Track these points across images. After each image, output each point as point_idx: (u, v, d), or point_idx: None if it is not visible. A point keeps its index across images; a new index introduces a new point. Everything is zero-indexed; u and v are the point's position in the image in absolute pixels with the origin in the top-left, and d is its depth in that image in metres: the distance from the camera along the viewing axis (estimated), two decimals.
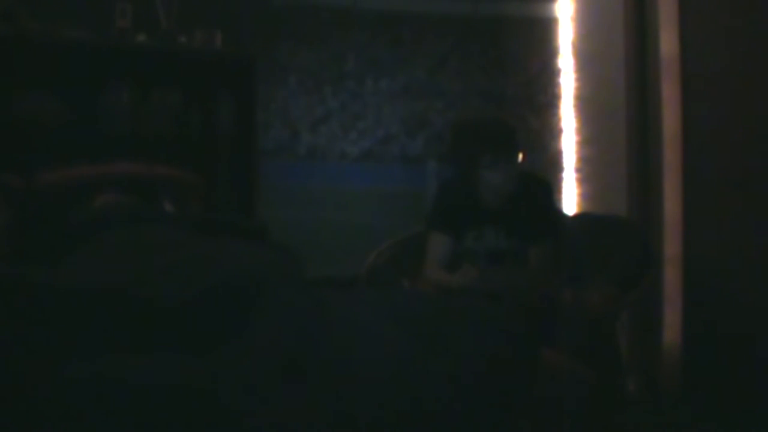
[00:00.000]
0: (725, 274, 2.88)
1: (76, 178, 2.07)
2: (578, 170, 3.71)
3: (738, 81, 2.82)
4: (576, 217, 3.21)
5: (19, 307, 1.21)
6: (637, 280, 2.53)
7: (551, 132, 3.77)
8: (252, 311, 1.29)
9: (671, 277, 3.10)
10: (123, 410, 1.07)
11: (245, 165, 3.20)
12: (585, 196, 3.67)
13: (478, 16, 3.75)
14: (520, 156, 2.47)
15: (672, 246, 3.10)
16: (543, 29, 3.79)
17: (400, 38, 3.68)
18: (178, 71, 3.20)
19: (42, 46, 2.91)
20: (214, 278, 1.33)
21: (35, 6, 2.98)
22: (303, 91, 3.57)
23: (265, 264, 1.47)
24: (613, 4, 3.39)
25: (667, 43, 3.13)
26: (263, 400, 1.13)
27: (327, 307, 1.39)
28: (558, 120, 3.78)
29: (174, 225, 1.74)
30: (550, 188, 2.66)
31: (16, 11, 2.86)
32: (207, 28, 3.15)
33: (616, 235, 2.70)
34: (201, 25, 3.16)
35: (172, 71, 3.19)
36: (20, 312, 1.21)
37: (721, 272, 2.90)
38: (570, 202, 3.70)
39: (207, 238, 1.64)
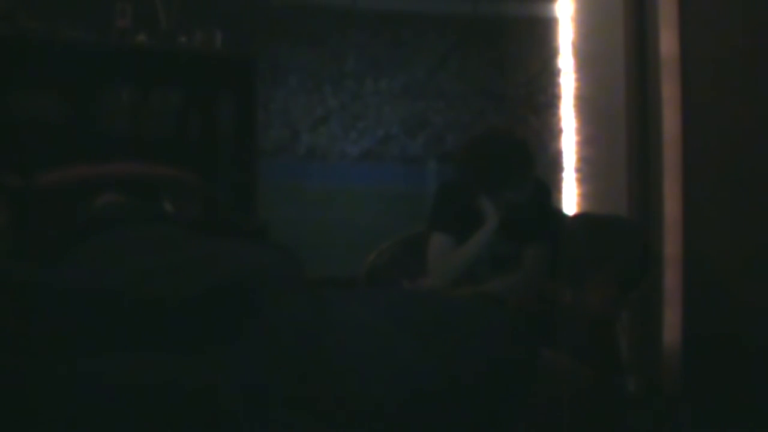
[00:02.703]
0: (725, 274, 2.88)
1: (76, 178, 2.07)
2: (578, 170, 3.71)
3: (738, 81, 2.82)
4: (576, 217, 3.21)
5: (19, 307, 1.21)
6: (637, 280, 2.53)
7: (551, 132, 3.77)
8: (252, 311, 1.29)
9: (671, 277, 3.09)
10: (122, 410, 1.07)
11: (245, 165, 3.20)
12: (585, 196, 3.67)
13: (478, 16, 3.74)
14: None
15: (672, 246, 3.10)
16: (543, 29, 3.79)
17: (400, 38, 3.68)
18: (178, 71, 3.20)
19: (42, 46, 2.91)
20: (214, 278, 1.33)
21: (35, 6, 2.98)
22: (303, 91, 3.57)
23: (265, 264, 1.47)
24: (613, 4, 3.39)
25: (667, 43, 3.13)
26: (263, 400, 1.13)
27: (327, 307, 1.39)
28: (558, 120, 3.78)
29: (174, 225, 1.74)
30: (548, 190, 2.67)
31: (16, 11, 2.86)
32: (207, 28, 3.15)
33: (616, 235, 2.70)
34: (201, 25, 3.16)
35: (172, 71, 3.19)
36: (20, 312, 1.21)
37: (721, 272, 2.90)
38: (570, 202, 3.70)
39: (207, 238, 1.64)
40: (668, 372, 3.10)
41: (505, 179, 2.41)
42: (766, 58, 2.66)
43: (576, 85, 3.74)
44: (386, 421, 1.17)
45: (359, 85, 3.63)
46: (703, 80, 3.01)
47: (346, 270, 2.78)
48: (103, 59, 3.04)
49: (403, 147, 3.68)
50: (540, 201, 2.57)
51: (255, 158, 3.21)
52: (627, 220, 3.17)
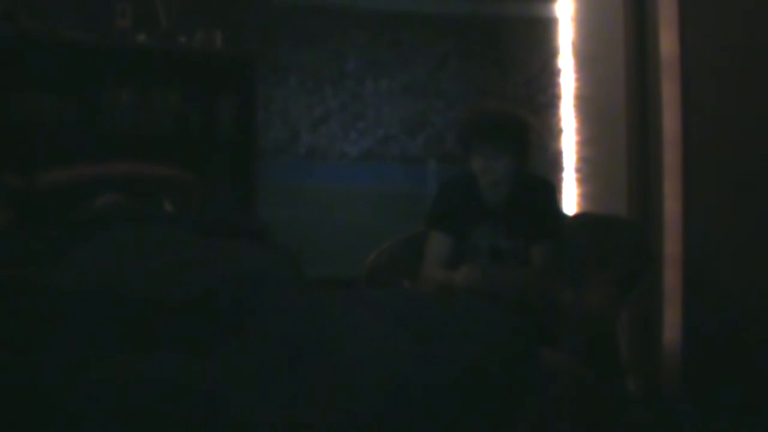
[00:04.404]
0: (725, 274, 2.88)
1: (76, 178, 2.08)
2: (578, 170, 3.71)
3: (738, 81, 2.82)
4: (576, 217, 3.21)
5: (19, 307, 1.21)
6: (637, 280, 2.53)
7: (551, 132, 3.77)
8: (251, 311, 1.29)
9: (671, 277, 3.10)
10: (123, 410, 1.07)
11: (245, 165, 3.20)
12: (585, 196, 3.67)
13: (478, 16, 3.74)
14: (517, 150, 2.47)
15: (672, 246, 3.10)
16: (543, 29, 3.79)
17: (400, 38, 3.68)
18: (178, 71, 3.20)
19: (42, 46, 2.91)
20: (213, 278, 1.33)
21: (35, 6, 2.98)
22: (303, 91, 3.57)
23: (264, 264, 1.47)
24: (613, 4, 3.39)
25: (667, 43, 3.13)
26: (262, 399, 1.13)
27: (326, 307, 1.40)
28: (558, 120, 3.78)
29: (174, 225, 1.74)
30: (552, 188, 2.66)
31: (16, 11, 2.86)
32: (207, 28, 3.15)
33: (616, 235, 2.70)
34: (201, 25, 3.16)
35: (172, 71, 3.19)
36: (20, 312, 1.21)
37: (721, 272, 2.90)
38: (570, 202, 3.70)
39: (207, 238, 1.64)
40: (668, 372, 3.10)
41: (477, 136, 2.44)
42: (766, 58, 2.66)
43: (576, 85, 3.74)
44: (386, 420, 1.17)
45: (359, 85, 3.63)
46: (703, 80, 3.01)
47: (346, 270, 2.78)
48: (103, 59, 3.04)
49: (403, 147, 3.68)
50: (543, 198, 2.57)
51: (255, 158, 3.21)
52: (627, 220, 3.17)
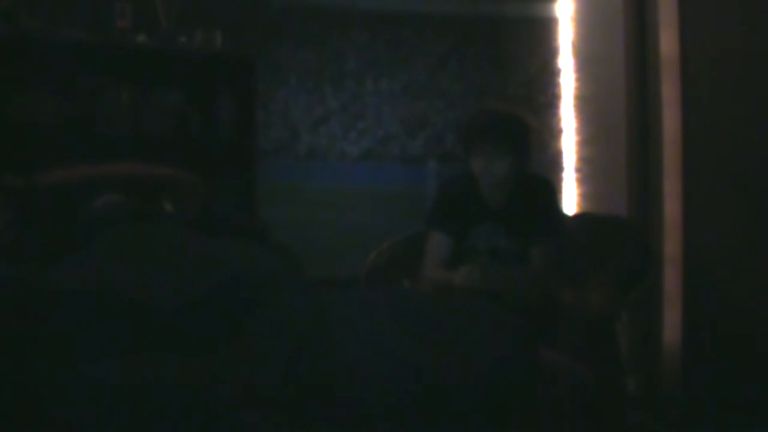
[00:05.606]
0: (725, 274, 2.88)
1: (76, 178, 2.07)
2: (578, 170, 3.71)
3: (738, 81, 2.82)
4: (576, 217, 3.21)
5: (18, 307, 1.21)
6: (637, 280, 2.53)
7: (551, 132, 3.77)
8: (251, 312, 1.29)
9: (671, 277, 3.10)
10: (122, 411, 1.07)
11: (245, 165, 3.20)
12: (585, 196, 3.67)
13: (478, 16, 3.74)
14: (518, 151, 2.47)
15: (672, 246, 3.10)
16: (543, 29, 3.79)
17: (400, 38, 3.68)
18: (178, 71, 3.20)
19: (42, 46, 2.91)
20: (214, 279, 1.33)
21: (35, 6, 2.98)
22: (303, 91, 3.57)
23: (264, 264, 1.47)
24: (613, 4, 3.39)
25: (667, 43, 3.13)
26: (262, 400, 1.13)
27: (326, 308, 1.39)
28: (558, 120, 3.78)
29: (174, 225, 1.74)
30: (552, 188, 2.67)
31: (16, 11, 2.86)
32: (207, 28, 3.15)
33: (616, 235, 2.70)
34: (201, 25, 3.16)
35: (172, 71, 3.19)
36: (19, 313, 1.21)
37: (721, 272, 2.90)
38: (570, 202, 3.70)
39: (207, 238, 1.63)
40: (668, 372, 3.10)
41: (477, 137, 2.45)
42: (766, 58, 2.66)
43: (576, 85, 3.74)
44: (385, 421, 1.17)
45: (359, 85, 3.63)
46: (703, 80, 3.02)
47: (346, 270, 2.78)
48: (103, 59, 3.04)
49: (403, 147, 3.68)
50: (543, 198, 2.57)
51: (255, 158, 3.21)
52: (627, 220, 3.17)
